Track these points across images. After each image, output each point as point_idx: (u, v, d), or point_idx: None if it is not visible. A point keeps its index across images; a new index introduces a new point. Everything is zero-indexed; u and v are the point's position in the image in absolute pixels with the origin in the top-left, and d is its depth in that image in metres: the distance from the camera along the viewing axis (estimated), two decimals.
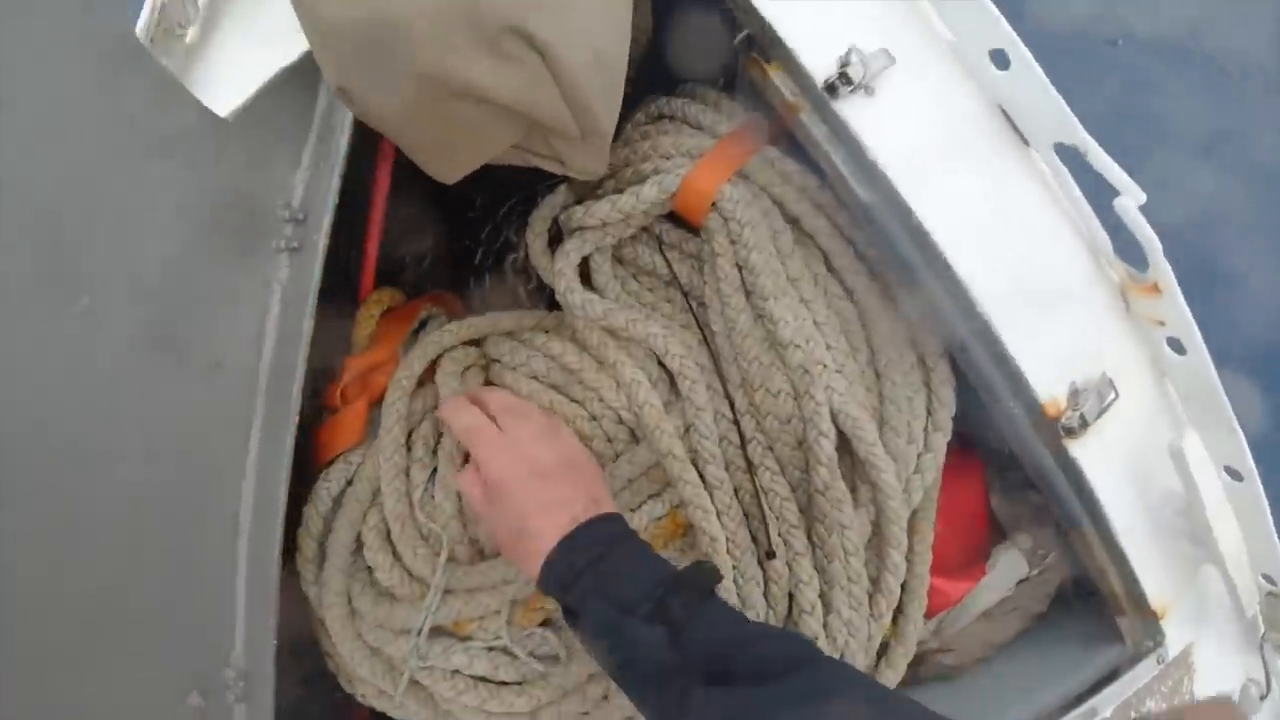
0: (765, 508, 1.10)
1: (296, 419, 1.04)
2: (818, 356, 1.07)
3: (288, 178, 1.04)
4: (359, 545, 1.18)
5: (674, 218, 1.20)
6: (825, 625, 1.08)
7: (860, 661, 1.10)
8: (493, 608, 1.11)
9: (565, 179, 1.24)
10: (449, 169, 1.03)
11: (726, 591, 1.07)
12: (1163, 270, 1.06)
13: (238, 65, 1.06)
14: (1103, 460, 1.13)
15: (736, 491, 1.11)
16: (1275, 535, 1.19)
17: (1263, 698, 1.27)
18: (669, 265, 1.19)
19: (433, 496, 1.16)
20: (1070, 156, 1.08)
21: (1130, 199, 1.01)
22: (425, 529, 1.15)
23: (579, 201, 1.19)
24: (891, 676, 1.16)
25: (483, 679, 1.14)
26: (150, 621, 1.05)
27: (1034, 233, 1.13)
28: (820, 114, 0.99)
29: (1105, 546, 1.17)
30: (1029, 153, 1.11)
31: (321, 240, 1.04)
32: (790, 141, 1.12)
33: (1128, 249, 1.11)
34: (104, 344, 0.95)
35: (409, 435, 1.18)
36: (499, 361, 1.21)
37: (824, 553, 1.08)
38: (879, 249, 1.08)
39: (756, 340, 1.10)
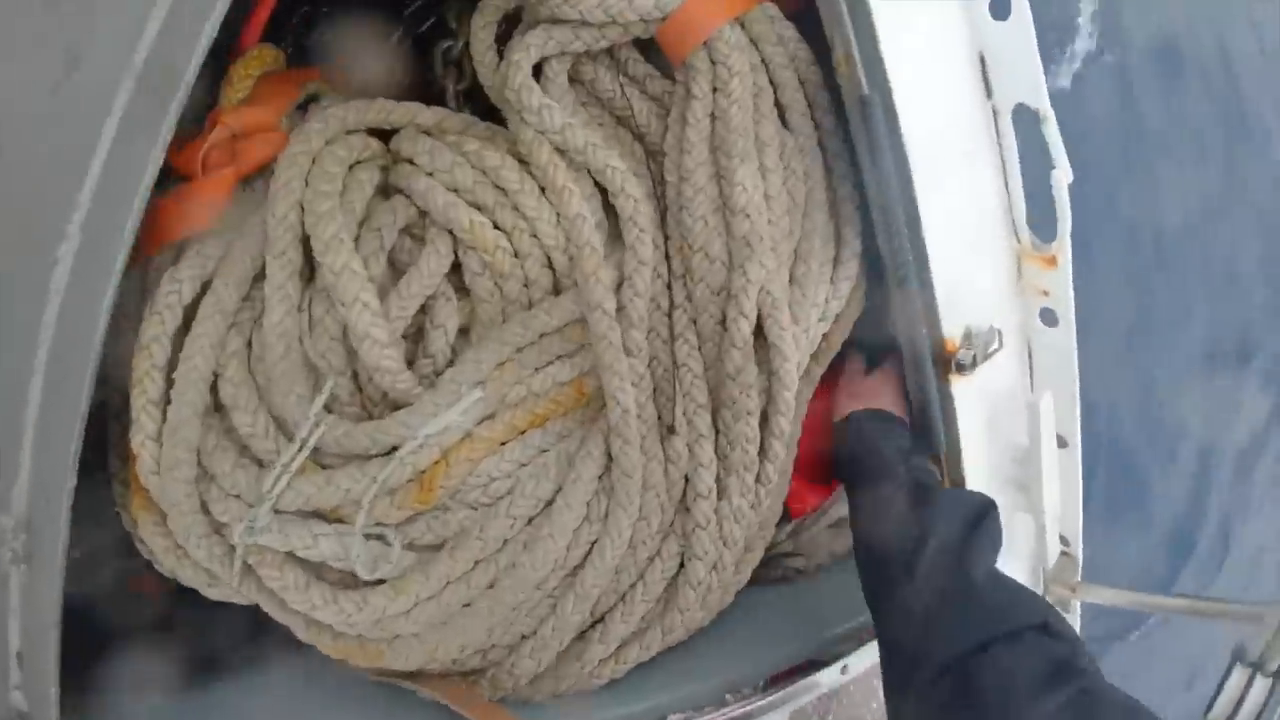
0: (676, 382, 1.01)
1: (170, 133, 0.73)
2: (761, 230, 0.98)
3: None
4: (217, 381, 0.91)
5: (644, 51, 1.05)
6: (717, 510, 1.02)
7: (740, 549, 1.06)
8: (354, 494, 0.89)
9: None
10: None
11: (633, 466, 0.97)
12: (1065, 248, 1.10)
13: None
14: (972, 400, 1.17)
15: (651, 361, 1.01)
16: (1080, 502, 1.29)
17: None
18: (626, 98, 1.03)
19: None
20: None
21: (1064, 174, 1.02)
22: (314, 358, 0.91)
23: None
24: (750, 560, 1.11)
25: (326, 575, 0.94)
26: None
27: (973, 181, 1.13)
28: None
29: (950, 475, 1.23)
30: (988, 105, 1.10)
31: None
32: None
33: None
34: None
35: None
36: (410, 162, 0.99)
37: (728, 439, 1.02)
38: (853, 141, 1.01)
39: (709, 199, 0.98)
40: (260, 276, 0.92)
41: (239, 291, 0.92)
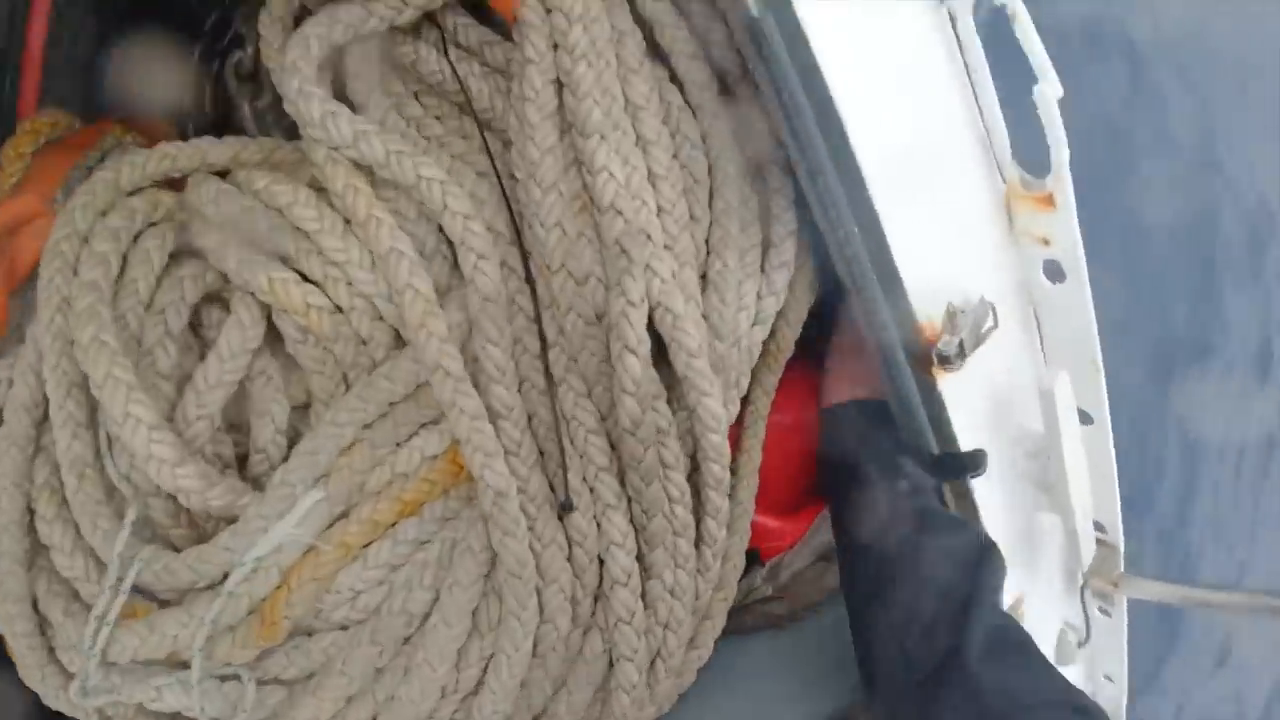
0: (567, 443, 0.77)
1: None
2: (643, 227, 0.72)
3: None
4: (33, 519, 0.79)
5: (476, 12, 0.80)
6: (644, 594, 0.78)
7: (689, 626, 0.82)
8: (183, 640, 0.74)
9: None
10: None
11: (520, 564, 0.75)
12: (1063, 181, 0.80)
13: None
14: (966, 396, 0.88)
15: (530, 421, 0.78)
16: (1116, 483, 1.03)
17: (1080, 644, 1.13)
18: (459, 79, 0.78)
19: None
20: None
21: (1050, 88, 0.75)
22: (116, 481, 0.76)
23: None
24: (710, 629, 0.87)
25: None
26: None
27: (933, 112, 0.82)
28: None
29: (952, 490, 0.95)
30: (940, 9, 0.79)
31: None
32: None
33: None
34: None
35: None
36: (201, 214, 0.79)
37: (643, 507, 0.77)
38: (757, 84, 0.72)
39: (563, 198, 0.73)
40: None
41: (29, 416, 0.77)
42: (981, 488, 0.90)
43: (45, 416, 0.79)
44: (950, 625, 0.74)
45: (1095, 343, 0.91)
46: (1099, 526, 1.08)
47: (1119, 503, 1.05)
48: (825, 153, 0.69)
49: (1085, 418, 0.96)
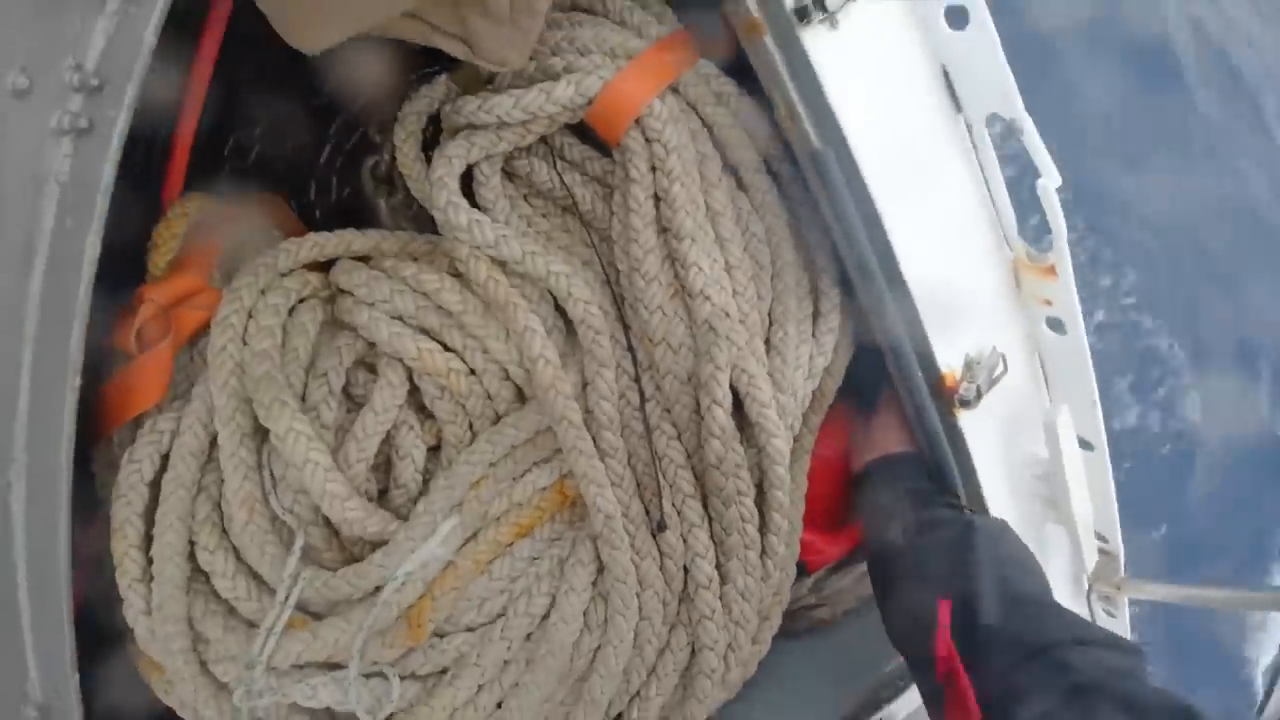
0: (659, 475, 0.96)
1: (79, 375, 0.75)
2: (724, 308, 0.91)
3: (83, 25, 0.70)
4: (194, 549, 0.90)
5: (577, 130, 0.98)
6: (722, 596, 0.97)
7: (754, 625, 1.01)
8: (342, 644, 0.87)
9: (446, 69, 0.98)
10: (315, 31, 0.74)
11: (625, 572, 0.93)
12: (1063, 255, 1.02)
13: None
14: (982, 430, 1.10)
15: (629, 458, 0.96)
16: (1114, 500, 1.23)
17: None
18: (566, 188, 0.97)
19: (273, 475, 0.89)
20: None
21: (1050, 181, 0.95)
22: (280, 514, 0.89)
23: (466, 95, 0.93)
24: (769, 627, 1.07)
25: (339, 716, 0.92)
26: None
27: (954, 202, 1.04)
28: (782, 40, 0.81)
29: (970, 505, 1.17)
30: (959, 119, 1.01)
31: (121, 119, 0.71)
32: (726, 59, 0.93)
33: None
34: None
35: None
36: (350, 295, 0.94)
37: (722, 525, 0.96)
38: (812, 194, 0.93)
39: (663, 286, 0.92)
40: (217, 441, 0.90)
41: (196, 461, 0.89)
42: (995, 503, 1.09)
43: (207, 462, 0.92)
44: (959, 610, 0.89)
45: (1093, 382, 1.09)
46: (1101, 537, 1.26)
47: (1117, 517, 1.23)
48: (869, 249, 0.90)
49: (1086, 445, 1.15)
